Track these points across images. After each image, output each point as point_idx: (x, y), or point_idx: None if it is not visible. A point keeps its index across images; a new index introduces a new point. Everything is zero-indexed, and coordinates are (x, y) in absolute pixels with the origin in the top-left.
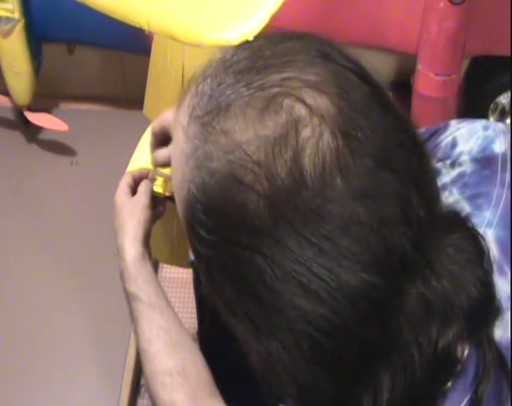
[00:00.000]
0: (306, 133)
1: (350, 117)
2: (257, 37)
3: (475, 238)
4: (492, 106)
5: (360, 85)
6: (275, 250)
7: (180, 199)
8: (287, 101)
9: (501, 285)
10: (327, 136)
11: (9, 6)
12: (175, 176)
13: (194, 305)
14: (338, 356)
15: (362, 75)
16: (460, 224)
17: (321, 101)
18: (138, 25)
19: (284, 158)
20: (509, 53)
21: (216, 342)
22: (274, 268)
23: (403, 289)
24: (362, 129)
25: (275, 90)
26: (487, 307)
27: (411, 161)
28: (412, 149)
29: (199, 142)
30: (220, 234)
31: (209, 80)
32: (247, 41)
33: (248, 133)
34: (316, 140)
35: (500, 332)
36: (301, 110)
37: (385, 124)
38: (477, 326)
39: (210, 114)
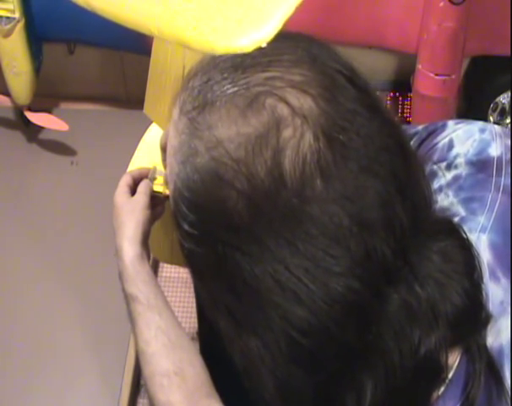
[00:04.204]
0: (287, 133)
1: (333, 120)
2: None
3: (465, 248)
4: (492, 106)
5: (347, 87)
6: (253, 248)
7: (170, 193)
8: (270, 101)
9: (493, 291)
10: (308, 137)
11: (9, 6)
12: (167, 170)
13: (194, 305)
14: (316, 357)
15: (350, 78)
16: (450, 232)
17: (304, 102)
18: (149, 33)
19: (264, 157)
20: (509, 53)
21: (216, 343)
22: (252, 265)
23: (384, 294)
24: (346, 132)
25: (259, 88)
26: (474, 315)
27: (396, 166)
28: (398, 154)
29: (186, 137)
30: (201, 229)
31: (199, 76)
32: None
33: (231, 130)
34: (297, 141)
35: (491, 339)
36: (283, 110)
37: (370, 128)
38: (465, 333)
39: (197, 109)
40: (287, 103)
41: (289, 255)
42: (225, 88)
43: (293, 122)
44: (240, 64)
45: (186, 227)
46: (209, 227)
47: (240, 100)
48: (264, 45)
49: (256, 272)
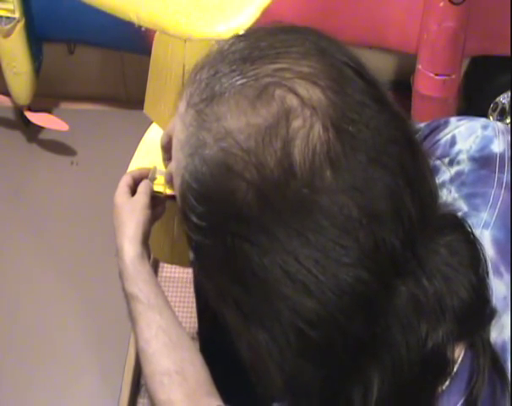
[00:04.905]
0: (296, 123)
1: (342, 111)
2: (253, 30)
3: (470, 242)
4: (492, 106)
5: (355, 79)
6: (262, 239)
7: (176, 187)
8: (279, 92)
9: (496, 286)
10: (318, 128)
11: (9, 6)
12: (173, 164)
13: (194, 305)
14: (324, 349)
15: (359, 71)
16: (456, 226)
17: (313, 93)
18: (127, 18)
19: (274, 148)
20: (509, 53)
21: (216, 342)
22: (261, 256)
23: (392, 286)
24: (355, 123)
25: (268, 80)
26: (480, 310)
27: (404, 158)
28: (406, 146)
29: (194, 129)
30: (210, 221)
31: (206, 69)
32: (245, 33)
33: (240, 121)
34: (306, 131)
35: (495, 334)
36: (292, 100)
37: (379, 120)
38: (471, 328)
39: (205, 101)
40: (296, 94)
41: (299, 246)
42: (233, 80)
43: (303, 112)
44: (248, 56)
45: (194, 219)
46: (218, 219)
47: (249, 91)
48: (241, 32)
49: (265, 263)
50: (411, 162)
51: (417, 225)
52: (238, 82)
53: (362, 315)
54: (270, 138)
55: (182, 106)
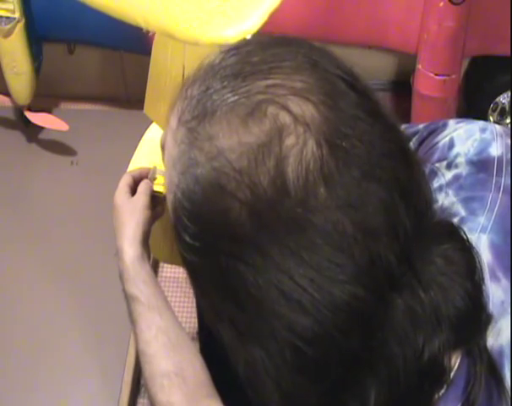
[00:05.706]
0: (290, 141)
1: (335, 126)
2: (247, 41)
3: (466, 250)
4: (492, 106)
5: (348, 93)
6: (256, 258)
7: (169, 203)
8: (272, 109)
9: (493, 291)
10: (311, 145)
11: (10, 6)
12: (166, 180)
13: (194, 305)
14: (321, 365)
15: (351, 83)
16: (451, 234)
17: (306, 109)
18: (135, 23)
19: (267, 166)
20: (509, 53)
21: (216, 342)
22: (256, 276)
23: (388, 300)
24: (348, 139)
25: (260, 97)
26: (476, 318)
27: (398, 171)
28: (400, 159)
29: (186, 147)
30: (203, 240)
31: (197, 84)
32: (235, 46)
33: (232, 140)
34: (300, 149)
35: (492, 339)
36: (285, 118)
37: (372, 134)
38: (467, 336)
39: (197, 119)
40: (289, 111)
41: (293, 265)
42: (225, 97)
43: (295, 130)
44: (240, 72)
45: (187, 238)
46: (211, 239)
47: (241, 109)
48: (248, 36)
49: (260, 283)
50: (406, 174)
51: (412, 237)
52: (230, 99)
53: (358, 330)
54: (263, 156)
55: (174, 121)
